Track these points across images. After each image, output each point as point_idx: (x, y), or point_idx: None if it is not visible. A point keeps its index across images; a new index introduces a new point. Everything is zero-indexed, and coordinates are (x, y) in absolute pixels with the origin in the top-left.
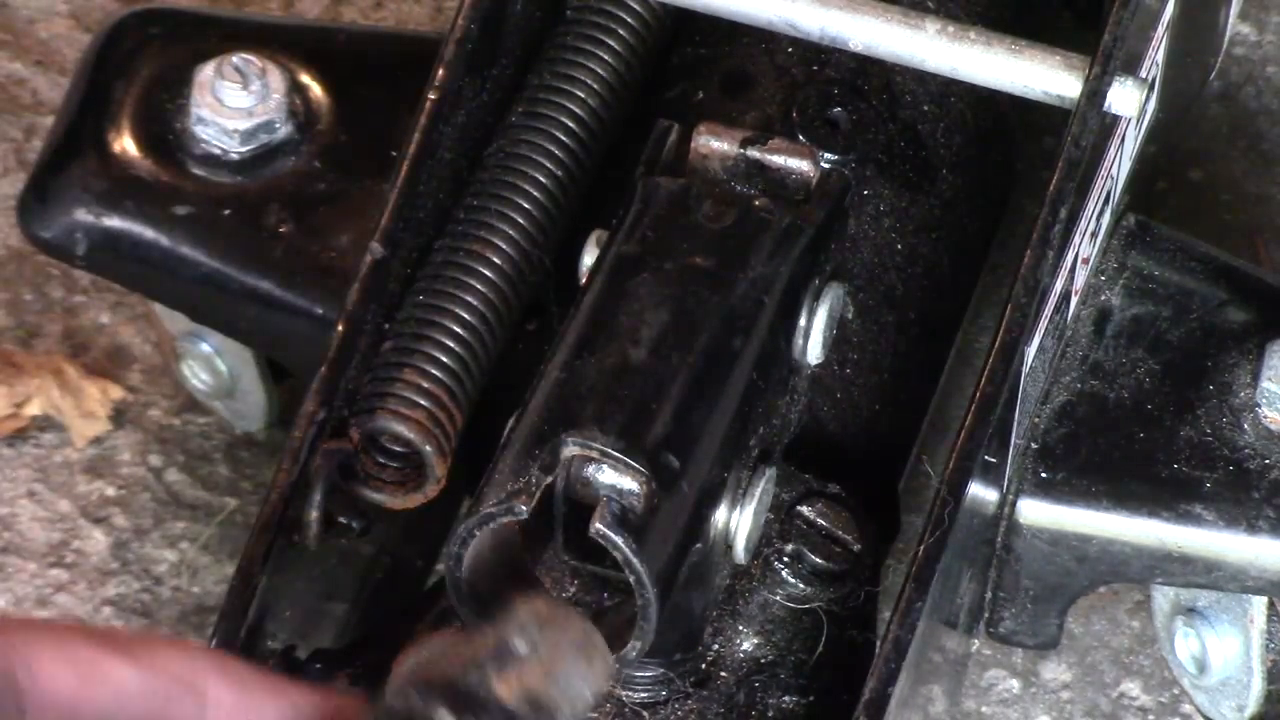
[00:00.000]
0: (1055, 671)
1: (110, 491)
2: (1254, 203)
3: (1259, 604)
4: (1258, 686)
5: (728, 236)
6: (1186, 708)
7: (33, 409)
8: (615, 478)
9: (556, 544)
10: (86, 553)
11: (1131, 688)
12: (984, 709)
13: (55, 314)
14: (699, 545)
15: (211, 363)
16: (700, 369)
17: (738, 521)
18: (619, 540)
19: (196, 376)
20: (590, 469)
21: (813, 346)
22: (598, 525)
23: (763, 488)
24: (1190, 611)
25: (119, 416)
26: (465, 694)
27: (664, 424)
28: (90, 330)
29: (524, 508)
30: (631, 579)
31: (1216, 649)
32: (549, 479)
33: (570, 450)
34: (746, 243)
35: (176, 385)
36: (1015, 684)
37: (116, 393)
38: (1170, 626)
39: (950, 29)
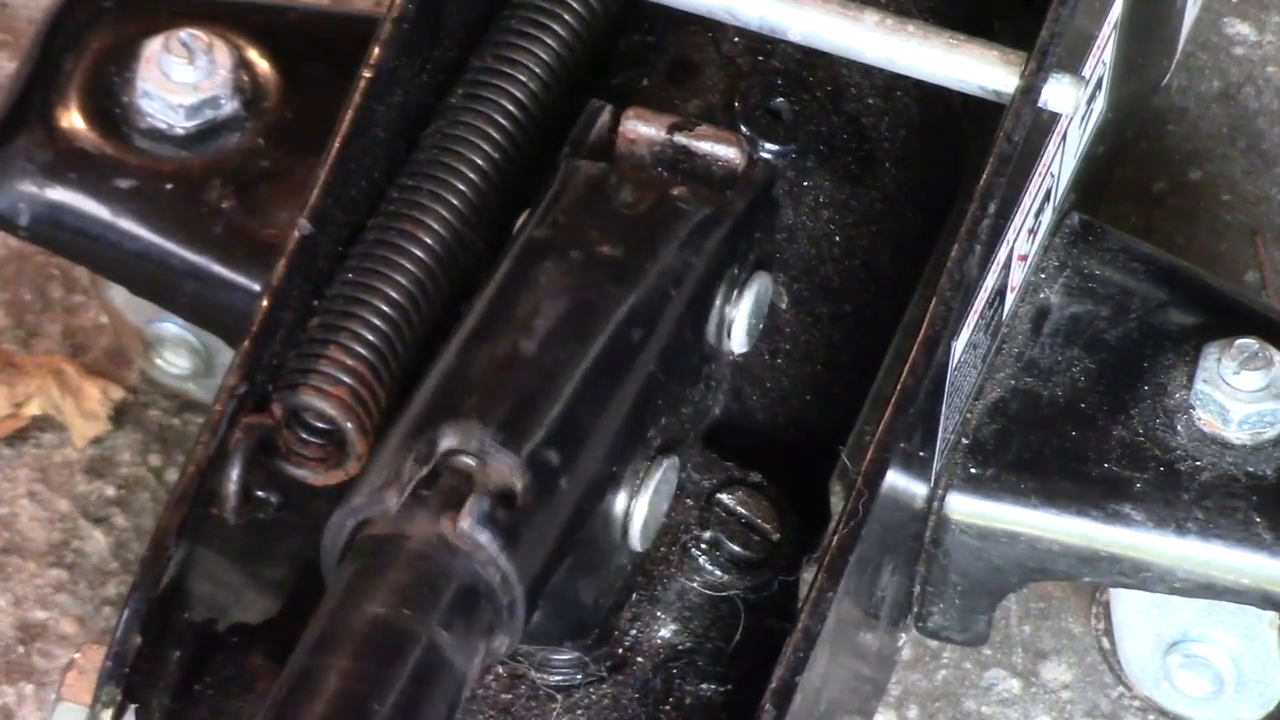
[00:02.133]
0: (1055, 671)
1: (110, 491)
2: (1254, 203)
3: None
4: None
5: (640, 225)
6: None
7: (33, 409)
8: (489, 472)
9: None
10: (86, 553)
11: None
12: (984, 709)
13: (55, 314)
14: (588, 536)
15: (185, 343)
16: (593, 361)
17: (634, 510)
18: (483, 539)
19: (171, 364)
20: (465, 462)
21: (736, 335)
22: (462, 523)
23: (661, 476)
24: (1177, 645)
25: (119, 416)
26: None
27: (547, 418)
28: (90, 330)
29: (395, 501)
30: (496, 577)
31: (1226, 666)
32: (423, 471)
33: (447, 442)
34: (658, 231)
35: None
36: (1015, 684)
37: (116, 393)
38: (1163, 667)
39: (889, 21)
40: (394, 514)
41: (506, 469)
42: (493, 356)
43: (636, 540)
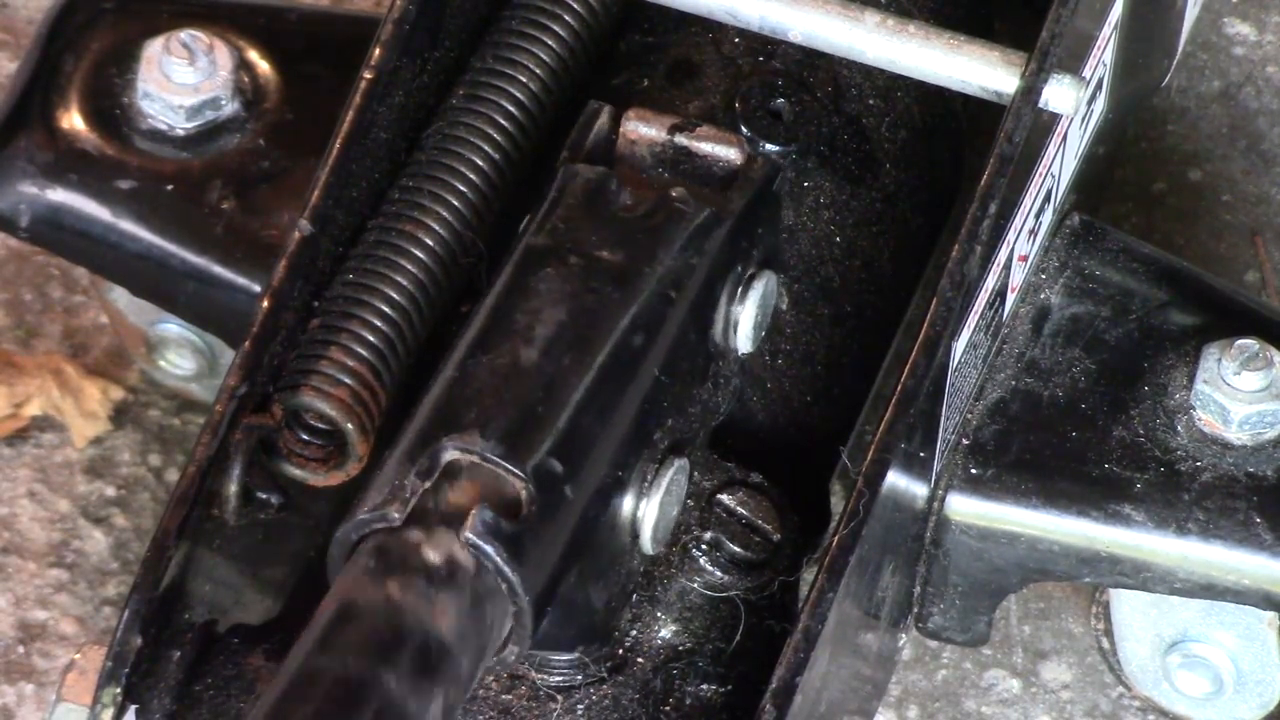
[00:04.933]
0: (1055, 672)
1: (110, 492)
2: (1254, 203)
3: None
4: (1278, 682)
5: (639, 229)
6: None
7: (33, 409)
8: (492, 484)
9: None
10: (86, 553)
11: None
12: (984, 709)
13: (55, 314)
14: (597, 541)
15: (188, 344)
16: (596, 368)
17: (644, 512)
18: (489, 550)
19: (174, 365)
20: (467, 475)
21: (742, 334)
22: (467, 534)
23: (670, 478)
24: (1177, 645)
25: (119, 416)
26: None
27: (550, 428)
28: (90, 330)
29: (398, 515)
30: (503, 586)
31: (1225, 665)
32: (425, 485)
33: (449, 455)
34: (657, 235)
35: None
36: (1015, 684)
37: (117, 393)
38: (1163, 667)
39: (890, 22)
40: (397, 527)
41: (509, 481)
42: (494, 367)
43: (648, 544)
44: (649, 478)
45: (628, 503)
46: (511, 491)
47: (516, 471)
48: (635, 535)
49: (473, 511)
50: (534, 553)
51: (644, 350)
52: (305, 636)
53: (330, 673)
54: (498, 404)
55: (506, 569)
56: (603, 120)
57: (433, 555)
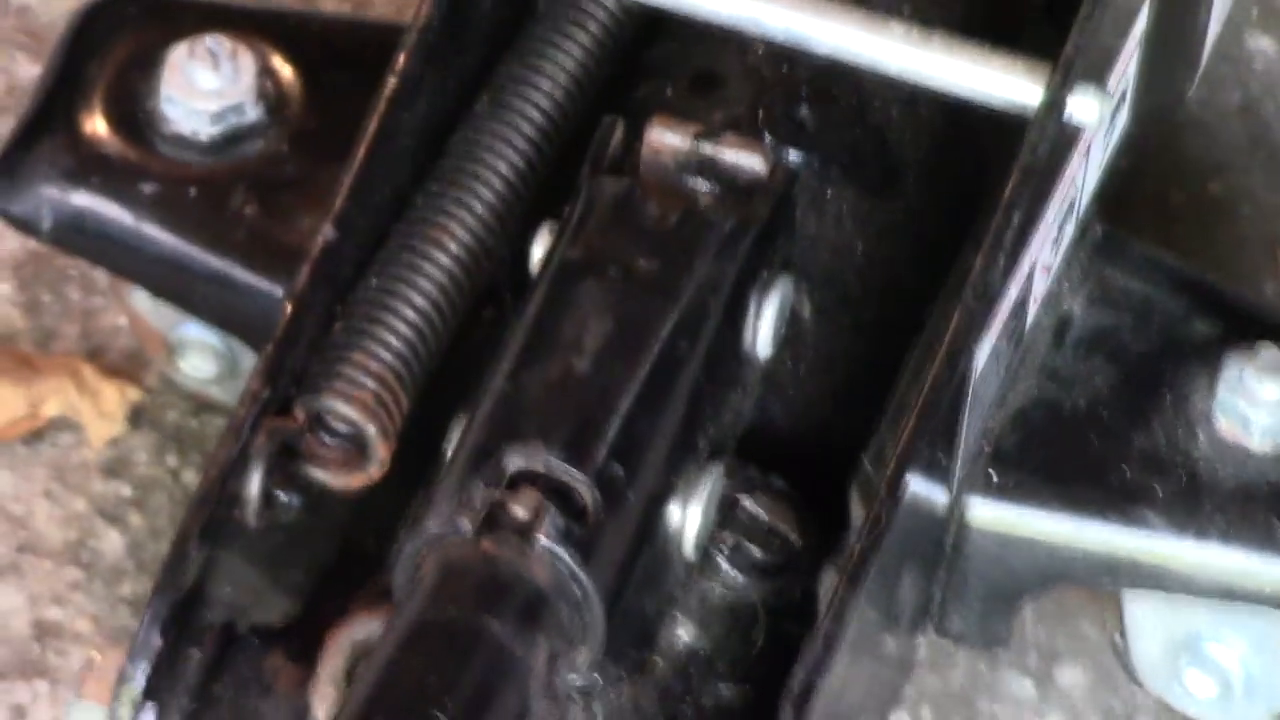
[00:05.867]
0: (1069, 674)
1: (127, 492)
2: (1273, 215)
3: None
4: None
5: (672, 238)
6: None
7: (50, 410)
8: (559, 491)
9: None
10: (102, 552)
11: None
12: (997, 709)
13: (73, 316)
14: (651, 546)
15: (209, 347)
16: (645, 376)
17: (685, 520)
18: (564, 554)
19: (196, 368)
20: (535, 483)
21: (762, 340)
22: (542, 541)
23: (710, 485)
24: (1190, 647)
25: (136, 417)
26: None
27: (608, 434)
28: (108, 332)
29: (469, 525)
30: (576, 592)
31: (1236, 669)
32: (494, 494)
33: (515, 465)
34: (691, 244)
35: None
36: (1029, 685)
37: (134, 394)
38: (1173, 669)
39: (915, 34)
40: (471, 536)
41: (574, 487)
42: (546, 377)
43: (690, 549)
44: (692, 483)
45: (674, 510)
46: (576, 498)
47: (581, 477)
48: (680, 540)
49: (545, 518)
50: (602, 556)
51: (687, 357)
52: (410, 601)
53: (441, 624)
54: (556, 413)
55: (580, 573)
56: (618, 134)
57: (505, 562)
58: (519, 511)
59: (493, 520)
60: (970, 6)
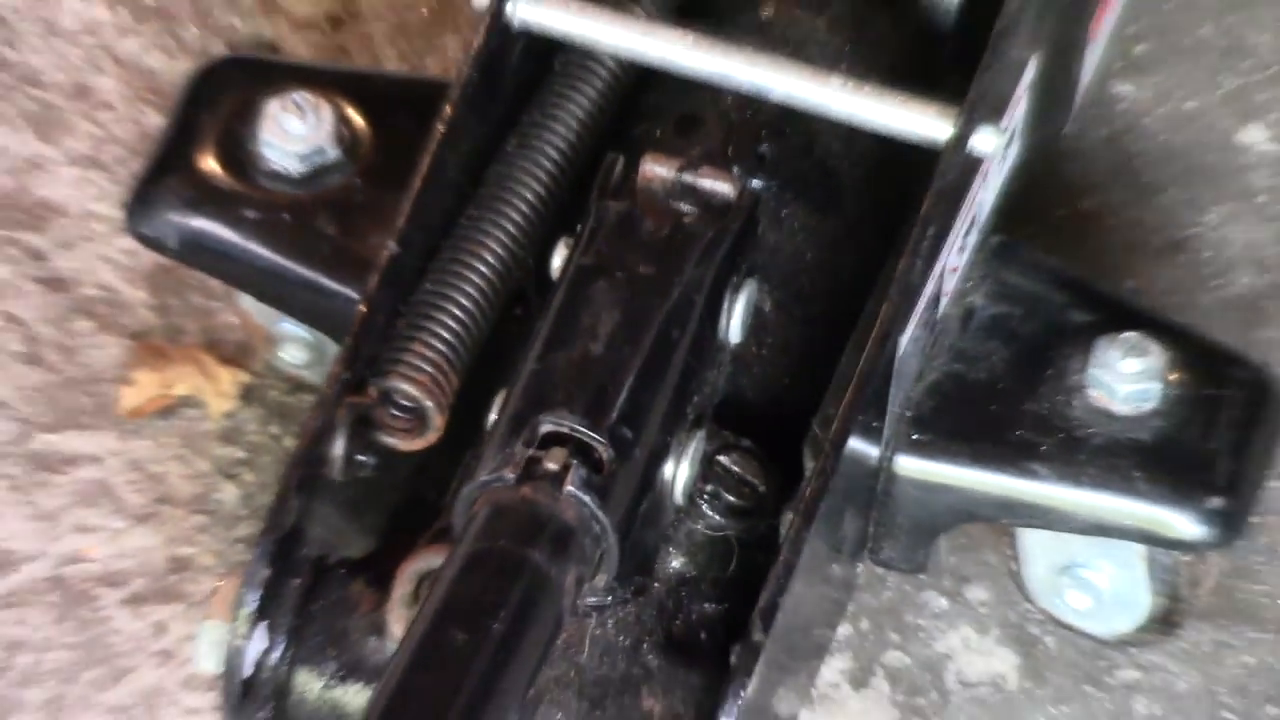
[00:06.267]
0: (976, 592)
1: (240, 455)
2: (1132, 226)
3: (1137, 546)
4: (1147, 599)
5: (664, 247)
6: None
7: (179, 390)
8: (581, 448)
9: None
10: (222, 502)
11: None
12: (920, 622)
13: (195, 316)
14: (651, 493)
15: (302, 339)
16: (645, 357)
17: (676, 473)
18: (586, 499)
19: (293, 356)
20: (562, 442)
21: (734, 329)
22: (569, 487)
23: (695, 445)
24: (1069, 570)
25: (246, 395)
26: None
27: (619, 403)
28: (223, 329)
29: (512, 475)
30: (596, 528)
31: (1105, 587)
32: (530, 451)
33: (546, 428)
34: (679, 252)
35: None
36: (945, 602)
37: (244, 377)
38: (1055, 587)
39: (850, 84)
40: (512, 484)
41: (593, 445)
42: (569, 359)
43: (680, 496)
44: (681, 444)
45: (668, 464)
46: (595, 454)
47: (599, 438)
48: (671, 489)
49: (571, 470)
50: (616, 500)
51: (677, 342)
52: (465, 537)
53: (491, 554)
54: (578, 386)
55: (599, 512)
56: (619, 167)
57: (542, 505)
58: (550, 465)
59: (530, 471)
60: (894, 60)
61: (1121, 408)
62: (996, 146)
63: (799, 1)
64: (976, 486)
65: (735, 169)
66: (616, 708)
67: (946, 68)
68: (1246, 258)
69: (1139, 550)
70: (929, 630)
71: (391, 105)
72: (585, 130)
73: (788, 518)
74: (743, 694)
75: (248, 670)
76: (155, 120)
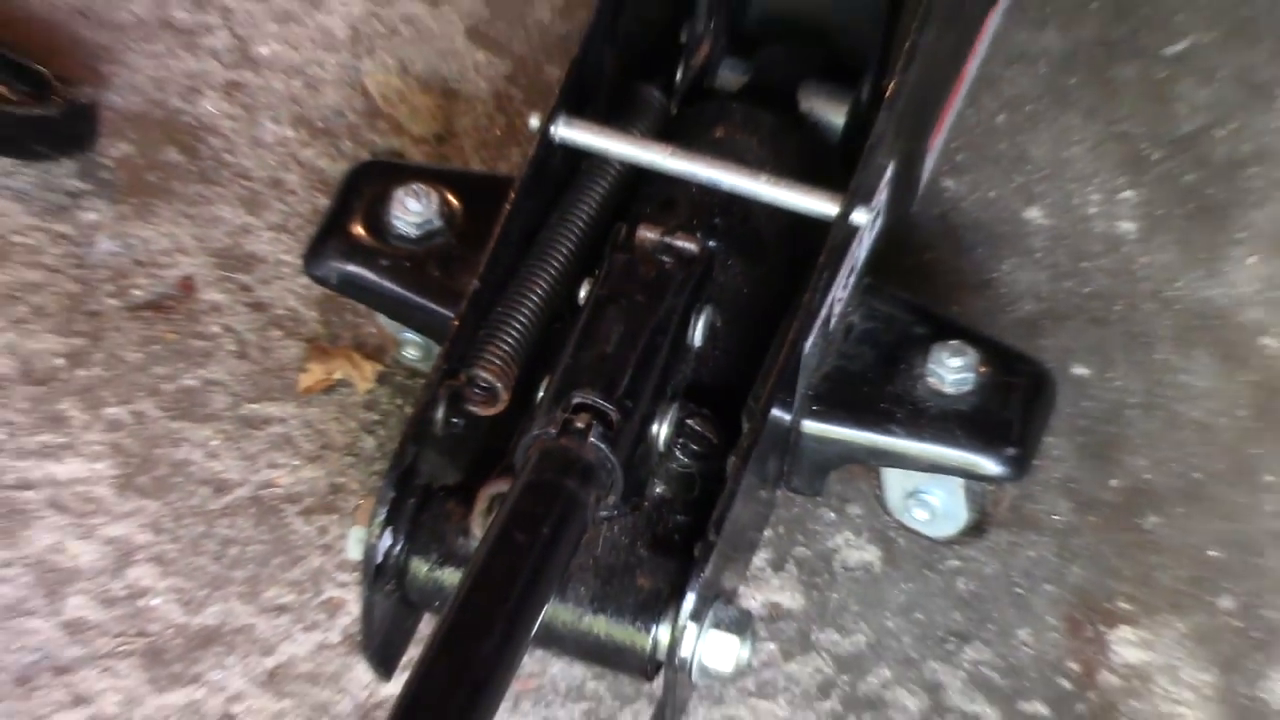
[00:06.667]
0: (853, 509)
1: (377, 418)
2: (955, 271)
3: (959, 480)
4: (965, 513)
5: (653, 285)
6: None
7: (337, 375)
8: (599, 413)
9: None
10: (365, 449)
11: None
12: (816, 528)
13: (348, 326)
14: (643, 443)
15: (418, 343)
16: (640, 355)
17: (659, 430)
18: (602, 446)
19: (411, 354)
20: (586, 409)
21: (697, 337)
22: (591, 439)
23: (672, 413)
24: (914, 494)
25: (381, 380)
26: None
27: (625, 384)
28: (366, 335)
29: (554, 431)
30: (609, 465)
31: (938, 505)
32: (566, 415)
33: (576, 400)
34: (662, 288)
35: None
36: (833, 515)
37: (380, 368)
38: (905, 505)
39: (772, 179)
40: (554, 436)
41: (608, 411)
42: (592, 355)
43: (662, 445)
44: (663, 411)
45: (655, 425)
46: (608, 417)
47: (611, 407)
48: (656, 440)
49: (592, 428)
50: (621, 447)
51: (661, 345)
52: (522, 472)
53: (540, 482)
54: (598, 373)
55: (611, 455)
56: (624, 232)
57: (573, 451)
58: (579, 424)
59: (566, 428)
60: (801, 164)
61: (949, 389)
62: (868, 220)
63: (740, 127)
64: (855, 440)
65: (698, 234)
66: (619, 584)
67: (835, 169)
68: (1029, 292)
69: (960, 481)
70: (822, 533)
71: (476, 193)
72: (601, 209)
73: (732, 460)
74: (702, 575)
75: (379, 558)
76: (323, 201)
